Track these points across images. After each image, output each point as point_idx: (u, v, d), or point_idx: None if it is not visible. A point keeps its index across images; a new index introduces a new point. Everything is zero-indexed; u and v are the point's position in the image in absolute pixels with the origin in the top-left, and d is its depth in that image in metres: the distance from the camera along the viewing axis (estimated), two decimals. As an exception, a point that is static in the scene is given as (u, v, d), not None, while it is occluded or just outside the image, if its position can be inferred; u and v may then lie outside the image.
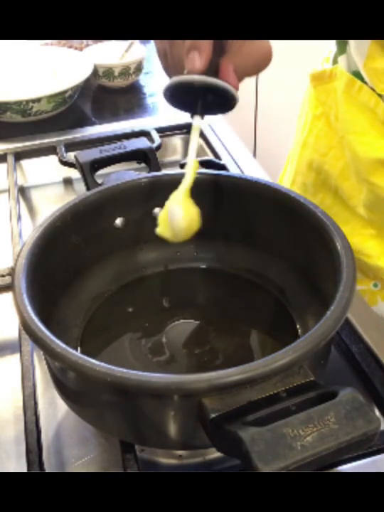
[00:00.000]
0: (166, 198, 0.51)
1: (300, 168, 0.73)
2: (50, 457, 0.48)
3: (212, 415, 0.37)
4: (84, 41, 1.13)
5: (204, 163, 0.71)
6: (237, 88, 0.47)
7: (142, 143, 0.65)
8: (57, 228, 0.51)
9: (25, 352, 0.53)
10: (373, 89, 0.59)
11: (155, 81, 1.07)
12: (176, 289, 0.58)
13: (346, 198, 0.67)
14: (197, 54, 0.45)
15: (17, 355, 0.54)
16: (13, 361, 0.55)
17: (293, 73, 1.40)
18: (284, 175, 0.80)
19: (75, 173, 0.76)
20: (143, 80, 1.06)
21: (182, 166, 0.71)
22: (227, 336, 0.53)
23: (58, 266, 0.52)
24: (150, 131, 0.77)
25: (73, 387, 0.44)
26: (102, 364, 0.38)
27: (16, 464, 0.48)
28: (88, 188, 0.60)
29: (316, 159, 0.70)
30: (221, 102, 0.47)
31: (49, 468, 0.47)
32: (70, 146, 0.80)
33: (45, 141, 0.86)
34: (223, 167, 0.73)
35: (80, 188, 0.72)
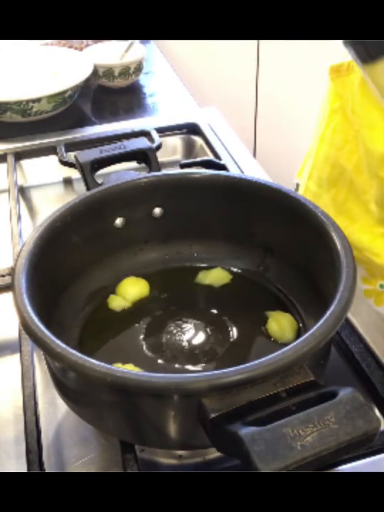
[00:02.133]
0: (166, 198, 0.50)
1: (317, 162, 0.73)
2: (50, 457, 0.48)
3: (212, 415, 0.37)
4: (84, 41, 1.13)
5: (204, 163, 0.71)
6: None
7: (142, 143, 0.65)
8: (57, 228, 0.51)
9: (25, 352, 0.53)
10: None
11: (155, 81, 1.07)
12: (176, 289, 0.58)
13: (360, 193, 0.67)
14: None
15: (17, 355, 0.54)
16: (13, 361, 0.55)
17: (293, 73, 1.40)
18: (303, 170, 0.79)
19: (75, 173, 0.76)
20: (143, 80, 1.06)
21: (182, 166, 0.71)
22: (227, 336, 0.53)
23: (58, 266, 0.52)
24: (150, 131, 0.77)
25: (73, 387, 0.44)
26: (102, 364, 0.38)
27: (16, 464, 0.48)
28: (88, 188, 0.60)
29: (332, 153, 0.70)
30: None
31: (49, 468, 0.47)
32: (70, 146, 0.79)
33: (45, 141, 0.86)
34: (223, 167, 0.73)
35: (80, 188, 0.72)
